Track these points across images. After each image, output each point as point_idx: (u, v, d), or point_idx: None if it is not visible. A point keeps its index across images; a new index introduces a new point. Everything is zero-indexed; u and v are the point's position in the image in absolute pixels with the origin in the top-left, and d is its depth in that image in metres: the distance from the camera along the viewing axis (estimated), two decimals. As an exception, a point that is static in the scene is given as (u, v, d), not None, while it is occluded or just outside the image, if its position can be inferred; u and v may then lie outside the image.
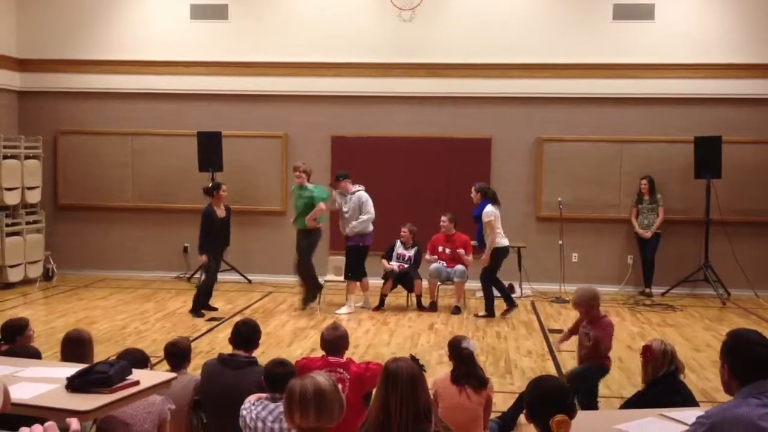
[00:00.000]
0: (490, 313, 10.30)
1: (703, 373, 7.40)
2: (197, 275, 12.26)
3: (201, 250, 10.09)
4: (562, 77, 12.27)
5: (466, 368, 5.13)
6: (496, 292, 10.43)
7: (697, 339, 9.10)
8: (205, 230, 10.04)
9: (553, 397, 3.15)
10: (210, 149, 12.18)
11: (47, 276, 12.57)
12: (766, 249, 12.09)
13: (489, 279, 10.36)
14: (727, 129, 11.84)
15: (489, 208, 10.17)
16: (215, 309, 10.26)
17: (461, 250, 10.63)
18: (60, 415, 3.53)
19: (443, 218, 10.72)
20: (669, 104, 12.22)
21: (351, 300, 10.50)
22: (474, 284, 11.13)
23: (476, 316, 10.32)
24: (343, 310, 10.38)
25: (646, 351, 4.99)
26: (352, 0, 12.66)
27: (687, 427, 3.25)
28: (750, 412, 3.02)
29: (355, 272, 10.42)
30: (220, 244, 10.23)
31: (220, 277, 10.89)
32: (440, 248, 10.76)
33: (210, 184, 10.39)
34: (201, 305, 10.09)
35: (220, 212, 10.14)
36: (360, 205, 10.34)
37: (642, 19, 12.24)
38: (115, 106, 13.09)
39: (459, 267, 10.58)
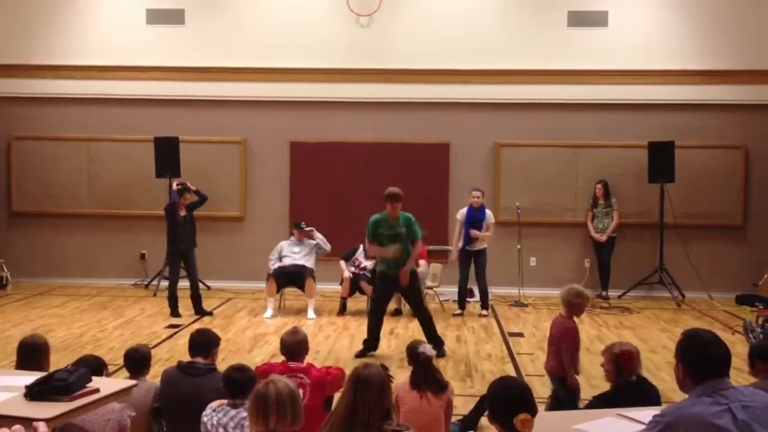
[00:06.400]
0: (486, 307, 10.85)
1: (659, 374, 7.51)
2: (154, 282, 12.16)
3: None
4: (519, 83, 12.40)
5: (424, 373, 5.17)
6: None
7: (653, 341, 9.24)
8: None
9: (516, 397, 3.19)
10: (167, 155, 12.07)
11: (1, 284, 12.36)
12: (719, 252, 12.34)
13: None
14: (679, 134, 12.08)
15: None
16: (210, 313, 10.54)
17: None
18: (18, 423, 3.48)
19: None
20: (623, 110, 12.42)
21: (270, 302, 10.56)
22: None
23: (481, 316, 10.63)
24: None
25: (626, 357, 4.95)
26: (310, 5, 12.67)
27: (644, 426, 3.32)
28: (704, 410, 3.09)
29: None
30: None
31: (180, 283, 10.79)
32: None
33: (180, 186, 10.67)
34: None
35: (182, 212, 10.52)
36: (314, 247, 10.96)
37: (596, 26, 12.44)
38: (71, 111, 12.93)
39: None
